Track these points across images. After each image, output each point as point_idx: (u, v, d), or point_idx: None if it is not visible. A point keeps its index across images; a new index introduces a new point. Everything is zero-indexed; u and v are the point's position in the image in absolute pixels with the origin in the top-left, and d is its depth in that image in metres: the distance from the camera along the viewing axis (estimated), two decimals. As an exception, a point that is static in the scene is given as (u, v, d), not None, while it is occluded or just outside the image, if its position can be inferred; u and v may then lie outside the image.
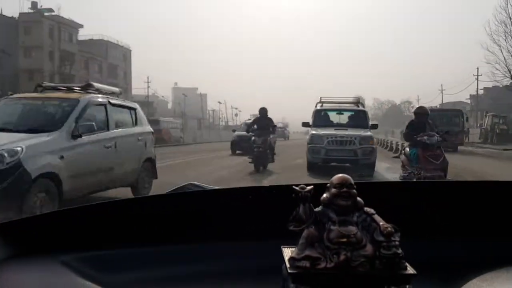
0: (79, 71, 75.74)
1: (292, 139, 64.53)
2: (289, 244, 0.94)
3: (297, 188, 0.90)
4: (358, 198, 0.91)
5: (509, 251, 1.15)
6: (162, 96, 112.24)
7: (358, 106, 19.88)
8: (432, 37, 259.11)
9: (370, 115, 21.12)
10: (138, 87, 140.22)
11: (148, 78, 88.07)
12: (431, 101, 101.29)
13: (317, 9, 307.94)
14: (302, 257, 0.88)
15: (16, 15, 71.02)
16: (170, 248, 1.17)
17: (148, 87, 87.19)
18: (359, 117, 18.50)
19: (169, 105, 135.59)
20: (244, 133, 23.27)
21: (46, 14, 72.29)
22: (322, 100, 19.78)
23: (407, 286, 0.86)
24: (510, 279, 0.91)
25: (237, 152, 26.74)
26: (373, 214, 0.91)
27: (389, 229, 0.87)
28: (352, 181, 0.90)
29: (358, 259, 0.86)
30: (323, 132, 16.68)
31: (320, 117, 18.70)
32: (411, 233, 0.98)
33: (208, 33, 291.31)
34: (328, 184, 0.92)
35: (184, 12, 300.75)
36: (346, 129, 17.17)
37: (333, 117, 19.43)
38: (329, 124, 18.33)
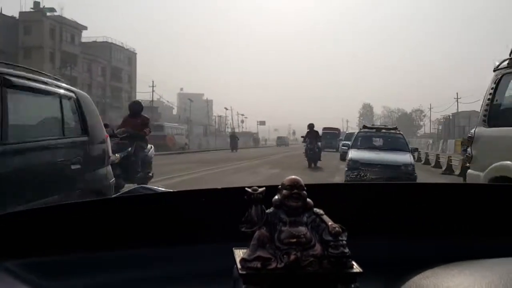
0: (81, 74, 76.03)
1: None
2: (242, 246, 0.99)
3: (249, 190, 0.95)
4: (308, 199, 0.96)
5: (449, 249, 1.25)
6: (167, 101, 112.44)
7: None
8: (447, 43, 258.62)
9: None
10: (143, 91, 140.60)
11: (153, 82, 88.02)
12: (445, 110, 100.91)
13: (324, 17, 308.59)
14: (253, 258, 0.92)
15: (16, 14, 71.40)
16: (117, 253, 1.20)
17: (152, 91, 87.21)
18: None
19: (174, 111, 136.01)
20: None
21: (48, 14, 72.51)
22: None
23: (353, 285, 0.92)
24: (448, 276, 0.97)
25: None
26: (322, 214, 0.96)
27: (336, 229, 0.93)
28: (302, 183, 0.96)
29: (308, 259, 0.92)
30: None
31: None
32: (358, 233, 1.04)
33: (215, 40, 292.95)
34: (280, 186, 0.97)
35: (191, 18, 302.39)
36: None
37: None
38: None
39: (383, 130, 19.04)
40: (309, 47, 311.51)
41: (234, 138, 58.48)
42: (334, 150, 52.86)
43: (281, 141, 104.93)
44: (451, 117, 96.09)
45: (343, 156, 28.32)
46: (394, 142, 17.86)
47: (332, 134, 59.93)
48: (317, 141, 26.02)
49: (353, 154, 16.39)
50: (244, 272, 0.92)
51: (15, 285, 1.02)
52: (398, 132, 18.91)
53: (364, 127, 19.86)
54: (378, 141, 18.27)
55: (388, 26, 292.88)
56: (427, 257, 1.11)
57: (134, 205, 1.33)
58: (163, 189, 1.50)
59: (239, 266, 0.94)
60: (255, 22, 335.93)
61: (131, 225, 1.26)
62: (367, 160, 15.53)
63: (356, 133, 19.92)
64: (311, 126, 26.70)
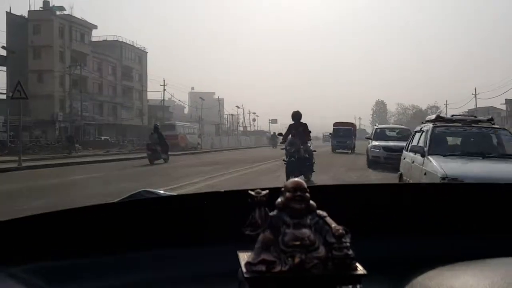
0: (91, 73, 76.26)
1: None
2: (245, 248, 1.00)
3: (252, 193, 0.97)
4: (311, 202, 0.98)
5: (452, 248, 1.27)
6: (179, 100, 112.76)
7: None
8: (463, 38, 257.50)
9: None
10: (154, 90, 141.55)
11: (164, 80, 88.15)
12: (462, 107, 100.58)
13: (335, 16, 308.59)
14: (258, 261, 0.94)
15: (26, 13, 71.75)
16: (122, 257, 1.23)
17: (164, 90, 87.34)
18: None
19: (186, 110, 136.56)
20: None
21: (57, 13, 72.78)
22: None
23: (358, 286, 0.94)
24: (452, 276, 0.98)
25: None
26: (325, 216, 0.98)
27: (340, 231, 0.94)
28: (305, 185, 0.97)
29: (312, 261, 0.93)
30: None
31: None
32: (361, 234, 1.06)
33: (225, 38, 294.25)
34: (283, 189, 0.99)
35: (201, 17, 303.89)
36: None
37: None
38: None
39: (473, 124, 11.38)
40: (320, 45, 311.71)
41: (274, 137, 70.53)
42: (349, 151, 45.62)
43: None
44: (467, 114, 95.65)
45: (374, 163, 23.94)
46: (500, 143, 11.18)
47: (346, 130, 49.33)
48: (305, 141, 16.03)
49: (445, 167, 9.23)
50: (249, 276, 0.94)
51: None
52: (494, 125, 11.76)
53: (439, 118, 11.60)
54: (472, 143, 11.20)
55: (401, 22, 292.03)
56: (431, 257, 1.13)
57: (138, 209, 1.36)
58: (166, 192, 1.52)
59: (244, 269, 0.95)
60: (266, 20, 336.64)
61: (135, 229, 1.28)
62: (481, 179, 8.44)
63: (427, 130, 11.25)
64: (295, 115, 16.04)
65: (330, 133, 50.93)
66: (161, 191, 1.53)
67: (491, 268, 1.00)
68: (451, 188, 1.61)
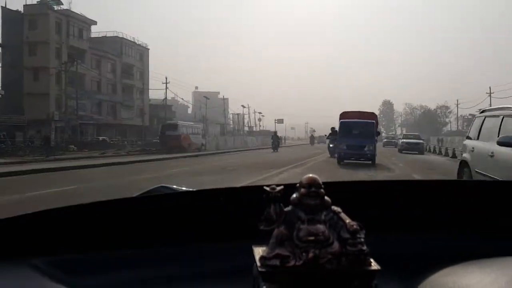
0: (90, 70, 76.13)
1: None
2: (260, 243, 1.06)
3: (267, 188, 1.02)
4: (326, 197, 1.03)
5: (468, 245, 1.30)
6: (182, 99, 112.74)
7: None
8: (474, 37, 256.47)
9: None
10: (156, 88, 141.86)
11: (166, 78, 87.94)
12: (474, 107, 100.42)
13: (340, 16, 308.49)
14: (272, 255, 0.99)
15: (21, 8, 71.71)
16: (140, 252, 1.29)
17: (166, 88, 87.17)
18: None
19: (190, 110, 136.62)
20: None
21: (55, 7, 72.61)
22: None
23: (372, 282, 0.99)
24: (468, 273, 1.02)
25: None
26: (340, 212, 1.03)
27: (354, 226, 0.99)
28: (320, 181, 1.03)
29: (326, 256, 0.98)
30: None
31: None
32: (376, 230, 1.11)
33: (230, 38, 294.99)
34: (298, 185, 1.04)
35: (206, 16, 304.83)
36: None
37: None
38: None
39: None
40: (326, 45, 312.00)
41: (313, 138, 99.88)
42: (369, 161, 29.34)
43: (321, 139, 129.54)
44: (477, 114, 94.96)
45: None
46: None
47: (363, 126, 30.13)
48: None
49: None
50: (263, 270, 0.99)
51: (42, 281, 1.11)
52: None
53: None
54: None
55: (409, 20, 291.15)
56: (446, 254, 1.17)
57: (155, 204, 1.42)
58: (182, 188, 1.58)
59: (258, 263, 1.00)
60: (272, 20, 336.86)
61: (152, 224, 1.34)
62: None
63: None
64: None
65: (335, 131, 34.64)
66: (180, 187, 1.58)
67: (508, 266, 1.03)
68: (466, 185, 1.65)
